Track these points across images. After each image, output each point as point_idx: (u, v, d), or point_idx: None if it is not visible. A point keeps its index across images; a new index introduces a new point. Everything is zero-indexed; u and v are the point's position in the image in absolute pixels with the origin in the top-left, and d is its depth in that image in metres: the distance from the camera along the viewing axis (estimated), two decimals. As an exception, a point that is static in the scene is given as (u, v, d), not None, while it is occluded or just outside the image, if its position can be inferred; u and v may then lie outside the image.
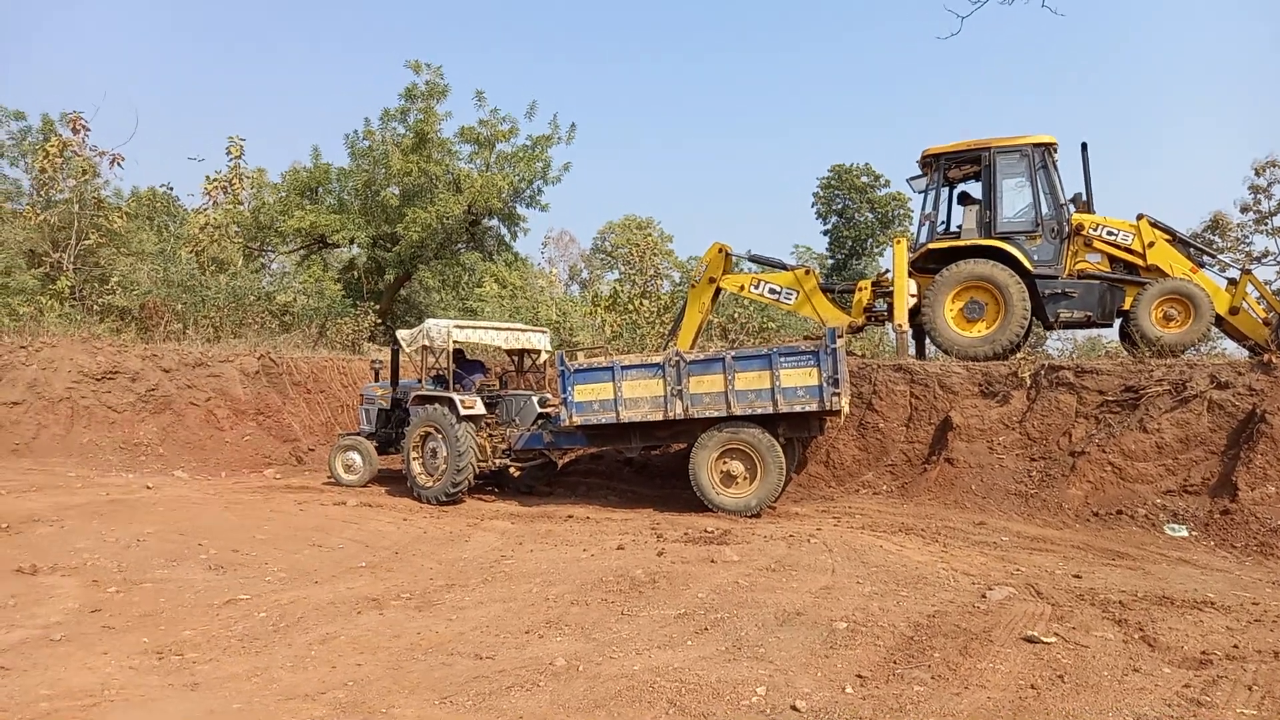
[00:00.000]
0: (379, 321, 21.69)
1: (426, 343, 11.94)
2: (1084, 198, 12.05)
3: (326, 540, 8.98)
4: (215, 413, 14.71)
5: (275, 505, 10.81)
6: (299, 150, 75.78)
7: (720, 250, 13.77)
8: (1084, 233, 11.76)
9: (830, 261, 37.23)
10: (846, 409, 10.63)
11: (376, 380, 13.85)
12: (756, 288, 13.73)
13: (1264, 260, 22.24)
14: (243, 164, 26.22)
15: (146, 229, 25.65)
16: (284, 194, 24.75)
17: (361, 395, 13.87)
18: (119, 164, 19.85)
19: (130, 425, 13.63)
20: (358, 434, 13.24)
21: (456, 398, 11.48)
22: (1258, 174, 22.07)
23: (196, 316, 18.09)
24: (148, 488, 11.43)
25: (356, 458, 12.73)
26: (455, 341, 12.01)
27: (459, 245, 25.56)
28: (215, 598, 6.76)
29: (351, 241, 24.32)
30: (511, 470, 12.57)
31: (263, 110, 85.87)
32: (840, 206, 38.25)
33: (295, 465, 14.81)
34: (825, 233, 38.69)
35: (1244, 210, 22.53)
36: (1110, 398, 10.48)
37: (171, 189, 28.30)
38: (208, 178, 25.16)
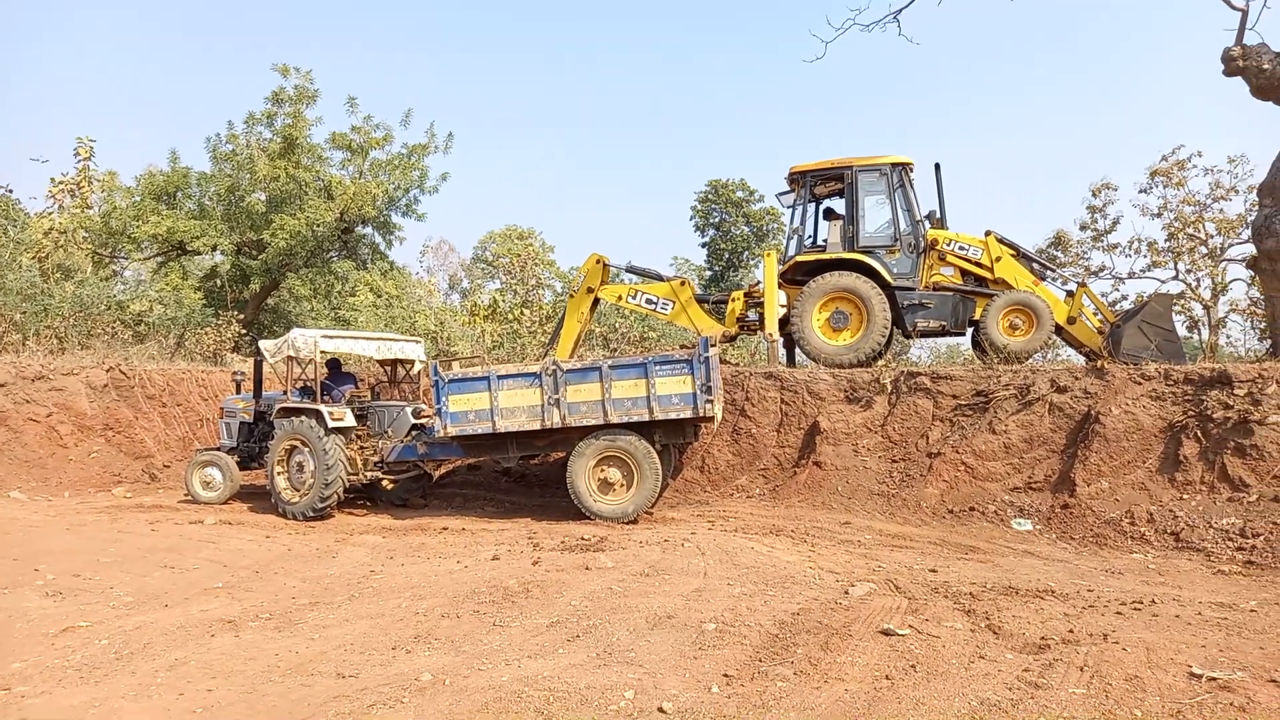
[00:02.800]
0: (244, 332, 20.69)
1: (292, 353, 11.48)
2: (938, 214, 12.78)
3: (180, 561, 8.48)
4: (58, 429, 13.66)
5: (124, 526, 10.14)
6: (155, 155, 71.55)
7: (598, 261, 13.86)
8: (938, 247, 12.46)
9: (708, 273, 37.99)
10: (720, 415, 10.88)
11: (239, 392, 13.20)
12: (634, 298, 13.89)
13: (1100, 274, 24.07)
14: (93, 166, 24.67)
15: (-19, 233, 23.71)
16: (138, 199, 23.31)
17: (222, 408, 13.18)
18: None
19: (-43, 444, 12.49)
20: (218, 449, 12.58)
21: (324, 410, 11.08)
22: (1094, 194, 23.87)
23: (38, 327, 16.80)
24: (-23, 512, 10.52)
25: (216, 474, 12.08)
26: (323, 352, 11.60)
27: (331, 253, 24.74)
28: (51, 626, 6.27)
29: (214, 248, 23.15)
30: (384, 483, 12.23)
31: (115, 111, 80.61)
32: (717, 220, 39.12)
33: (148, 483, 13.92)
34: (703, 245, 39.50)
35: (1083, 228, 24.32)
36: (963, 402, 11.12)
37: (11, 191, 26.22)
38: (53, 180, 23.52)
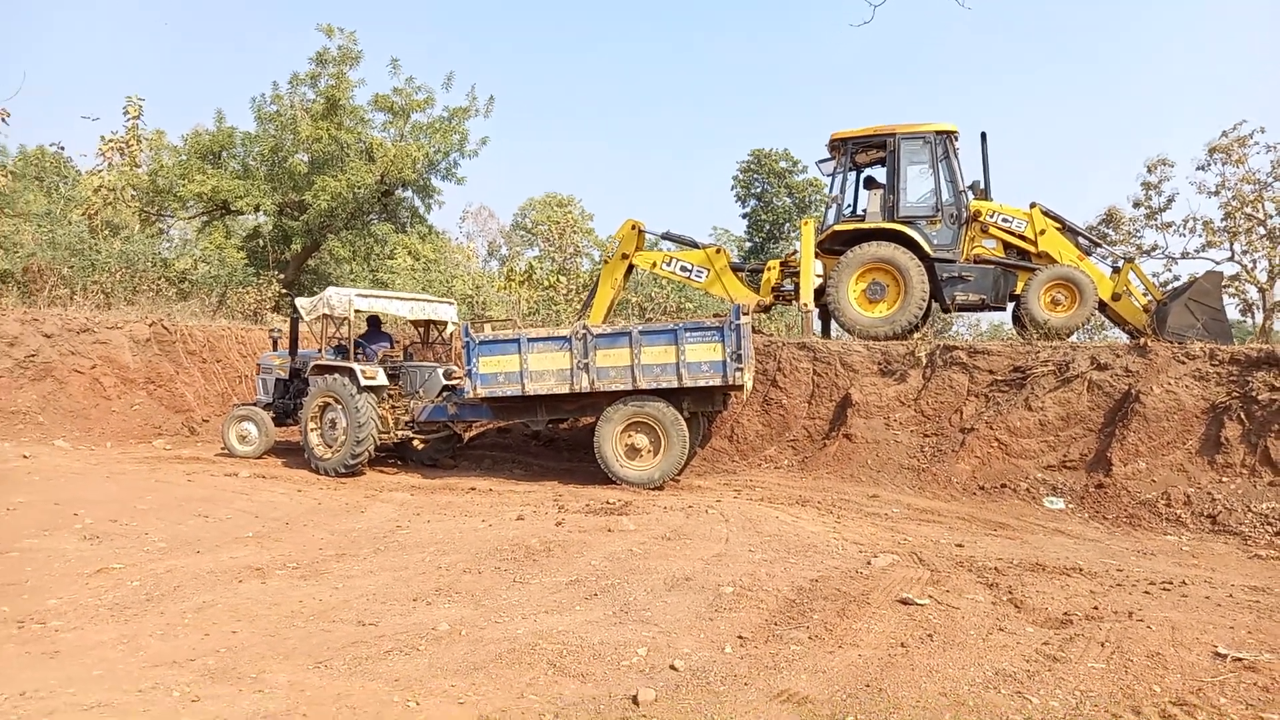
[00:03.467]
0: (284, 292, 20.97)
1: (327, 311, 11.60)
2: (981, 185, 12.46)
3: (214, 511, 8.68)
4: (102, 381, 14.01)
5: (161, 476, 10.39)
6: (202, 114, 72.42)
7: (633, 227, 13.78)
8: (981, 219, 12.16)
9: (748, 244, 37.63)
10: (750, 385, 10.79)
11: (275, 350, 13.40)
12: (669, 265, 13.79)
13: (1152, 254, 23.40)
14: (141, 125, 25.00)
15: (35, 190, 24.23)
16: (184, 158, 23.61)
17: (259, 365, 13.40)
18: (3, 119, 18.62)
19: (6, 392, 12.86)
20: (254, 404, 12.81)
21: (357, 368, 11.21)
22: (1150, 171, 23.14)
23: (85, 281, 17.16)
24: (24, 456, 10.84)
25: (252, 428, 12.31)
26: (357, 311, 11.71)
27: (371, 216, 24.88)
28: (86, 567, 6.47)
29: (256, 209, 23.40)
30: (415, 443, 12.37)
31: (164, 70, 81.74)
32: (759, 190, 38.62)
33: (188, 436, 14.25)
34: (744, 216, 39.07)
35: (1136, 206, 23.62)
36: (999, 377, 10.90)
37: (63, 149, 26.78)
38: (103, 138, 23.89)
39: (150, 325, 15.01)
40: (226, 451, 12.30)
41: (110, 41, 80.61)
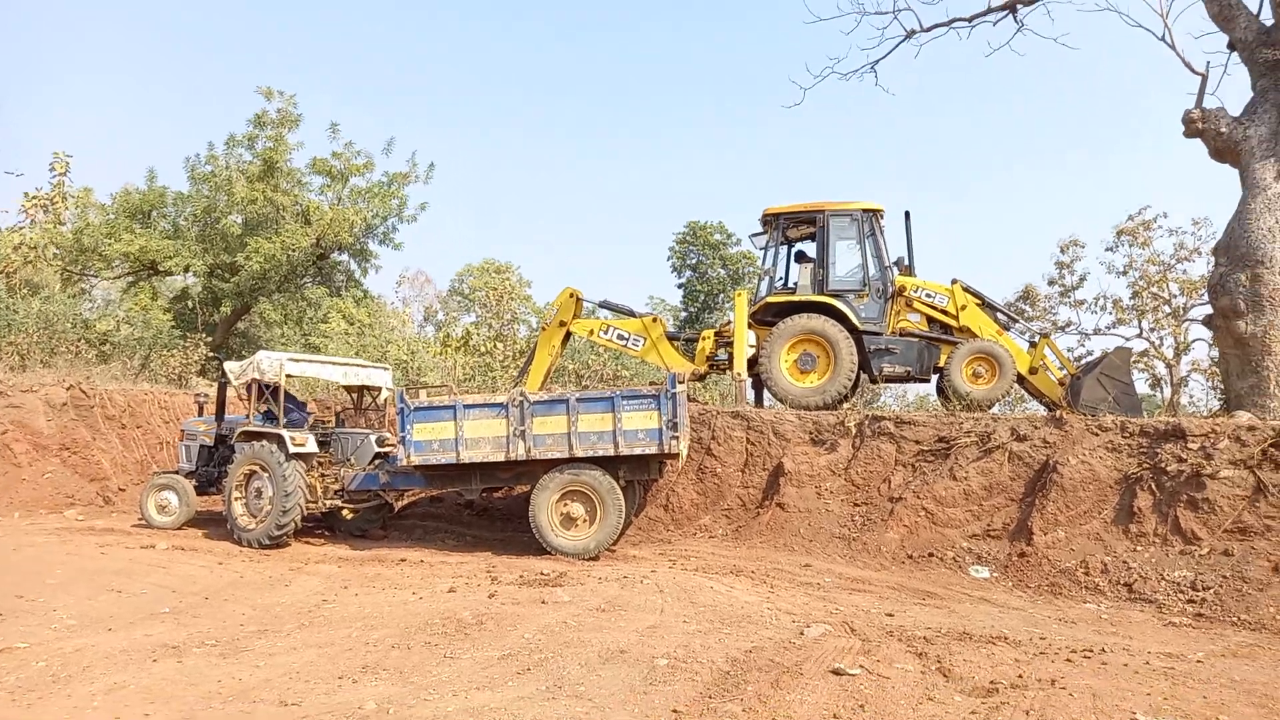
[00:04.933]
0: (212, 355, 20.46)
1: (257, 375, 11.37)
2: (906, 262, 13.00)
3: (128, 585, 8.31)
4: (12, 447, 13.39)
5: (73, 548, 9.93)
6: (133, 173, 70.95)
7: (571, 295, 13.93)
8: (905, 294, 12.65)
9: (684, 314, 38.22)
10: (685, 453, 10.89)
11: (200, 415, 13.03)
12: (605, 333, 13.94)
13: (1067, 329, 24.54)
14: (68, 182, 24.45)
15: (-53, 246, 23.36)
16: (112, 216, 23.14)
17: (182, 431, 12.99)
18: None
19: (-95, 459, 12.21)
20: (175, 472, 12.37)
21: (286, 434, 10.96)
22: (1062, 251, 24.42)
23: (0, 343, 16.52)
24: (-79, 528, 10.26)
25: (172, 497, 11.87)
26: (288, 376, 11.51)
27: (305, 279, 24.63)
28: (-14, 647, 6.11)
29: (186, 269, 22.97)
30: (344, 512, 12.08)
31: (94, 127, 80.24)
32: (695, 261, 39.46)
33: (102, 506, 13.64)
34: (680, 286, 39.79)
35: (1051, 284, 24.84)
36: (925, 447, 11.22)
37: (-20, 204, 25.92)
38: (27, 195, 23.27)
39: (68, 389, 14.48)
40: (144, 522, 11.82)
41: (40, 96, 79.00)
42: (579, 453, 10.36)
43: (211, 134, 67.35)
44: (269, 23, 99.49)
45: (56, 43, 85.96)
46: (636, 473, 10.78)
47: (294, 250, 21.99)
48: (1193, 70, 11.99)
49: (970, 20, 13.86)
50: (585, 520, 10.43)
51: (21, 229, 22.71)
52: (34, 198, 23.15)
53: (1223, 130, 11.49)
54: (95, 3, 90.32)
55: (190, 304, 23.87)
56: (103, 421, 14.77)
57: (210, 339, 21.72)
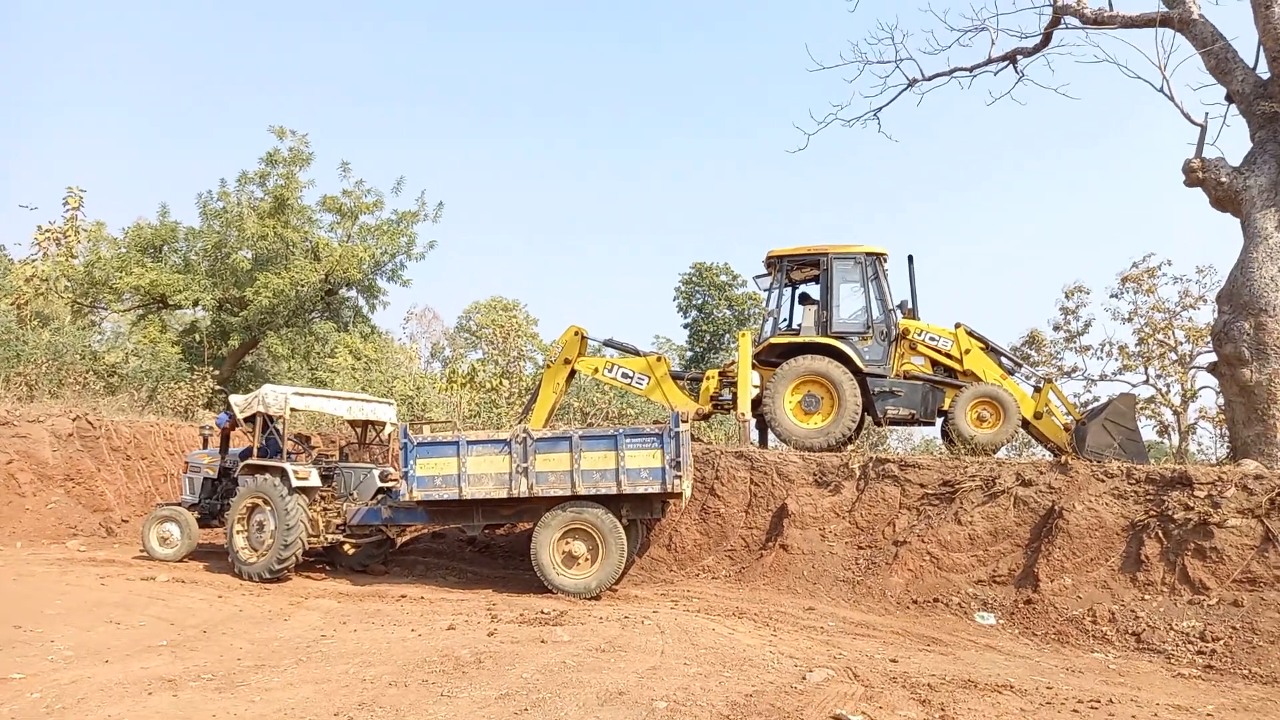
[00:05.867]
0: (218, 388, 20.54)
1: (262, 409, 11.41)
2: (909, 305, 13.05)
3: (127, 617, 8.27)
4: (16, 477, 13.41)
5: (73, 579, 9.91)
6: (146, 208, 71.94)
7: (576, 333, 14.01)
8: (909, 337, 12.69)
9: (689, 354, 38.28)
10: (689, 492, 10.85)
11: (205, 448, 13.05)
12: (610, 371, 13.99)
13: (1073, 375, 24.49)
14: (81, 216, 24.78)
15: (-40, 278, 23.62)
16: (123, 250, 23.40)
17: (186, 463, 13.01)
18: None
19: (-91, 487, 12.23)
20: (179, 504, 12.36)
21: (289, 468, 10.97)
22: (1067, 296, 24.49)
23: (9, 373, 16.63)
24: (-78, 557, 10.25)
25: (174, 529, 11.85)
26: (294, 409, 11.54)
27: (313, 314, 24.78)
28: (-18, 677, 6.08)
29: (195, 303, 23.15)
30: (345, 547, 12.03)
31: (110, 162, 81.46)
32: (700, 301, 39.63)
33: (105, 537, 13.63)
34: (685, 326, 39.91)
35: (1056, 329, 24.86)
36: (930, 491, 11.16)
37: (-6, 237, 26.24)
38: (40, 228, 23.59)
39: (74, 419, 14.53)
40: (146, 554, 11.78)
41: (57, 132, 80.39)
42: (582, 490, 10.34)
43: (225, 169, 68.41)
44: (285, 62, 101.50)
45: (74, 79, 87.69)
46: (639, 511, 10.73)
47: (303, 286, 22.17)
48: (1191, 121, 12.12)
49: (971, 70, 14.07)
50: (587, 559, 10.38)
51: (34, 261, 22.99)
52: (47, 231, 23.47)
53: (1223, 180, 11.59)
54: (114, 40, 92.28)
55: (198, 337, 24.03)
56: (108, 453, 14.80)
57: (217, 372, 21.83)
